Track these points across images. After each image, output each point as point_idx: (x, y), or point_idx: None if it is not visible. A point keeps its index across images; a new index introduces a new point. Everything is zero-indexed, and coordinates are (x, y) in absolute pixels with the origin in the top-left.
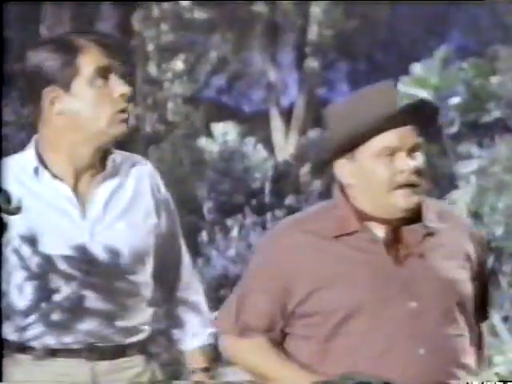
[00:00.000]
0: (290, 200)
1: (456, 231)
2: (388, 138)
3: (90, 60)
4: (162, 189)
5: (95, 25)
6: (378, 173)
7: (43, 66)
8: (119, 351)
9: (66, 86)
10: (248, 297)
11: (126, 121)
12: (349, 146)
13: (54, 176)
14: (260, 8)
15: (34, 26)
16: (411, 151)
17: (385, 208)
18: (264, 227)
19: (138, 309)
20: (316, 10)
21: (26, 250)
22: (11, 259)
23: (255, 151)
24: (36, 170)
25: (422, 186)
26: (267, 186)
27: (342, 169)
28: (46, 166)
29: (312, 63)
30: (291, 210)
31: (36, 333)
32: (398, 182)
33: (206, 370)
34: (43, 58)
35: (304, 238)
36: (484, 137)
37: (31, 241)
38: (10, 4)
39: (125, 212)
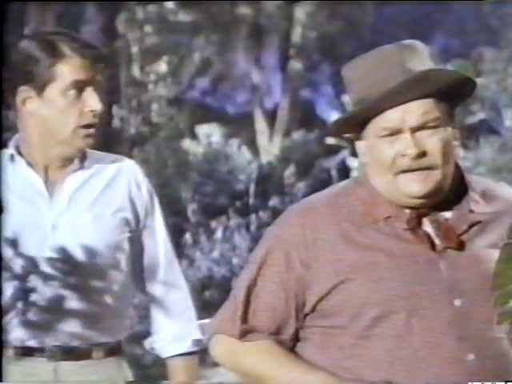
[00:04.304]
0: (274, 201)
1: (505, 215)
2: (387, 117)
3: (68, 71)
4: (144, 188)
5: (79, 27)
6: (381, 154)
7: (25, 64)
8: (85, 353)
9: (40, 90)
10: (256, 288)
11: (90, 136)
12: (356, 121)
13: (28, 164)
14: (244, 10)
15: (18, 27)
16: (419, 130)
17: (395, 194)
18: (248, 229)
19: (109, 308)
20: (300, 12)
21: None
22: None
23: (239, 153)
24: (12, 157)
25: (439, 167)
26: (251, 188)
27: (358, 144)
28: (21, 155)
29: (296, 65)
30: (275, 212)
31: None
32: (400, 166)
33: None
34: (27, 55)
35: (334, 219)
36: (469, 138)
37: (12, 241)
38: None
39: (92, 205)
